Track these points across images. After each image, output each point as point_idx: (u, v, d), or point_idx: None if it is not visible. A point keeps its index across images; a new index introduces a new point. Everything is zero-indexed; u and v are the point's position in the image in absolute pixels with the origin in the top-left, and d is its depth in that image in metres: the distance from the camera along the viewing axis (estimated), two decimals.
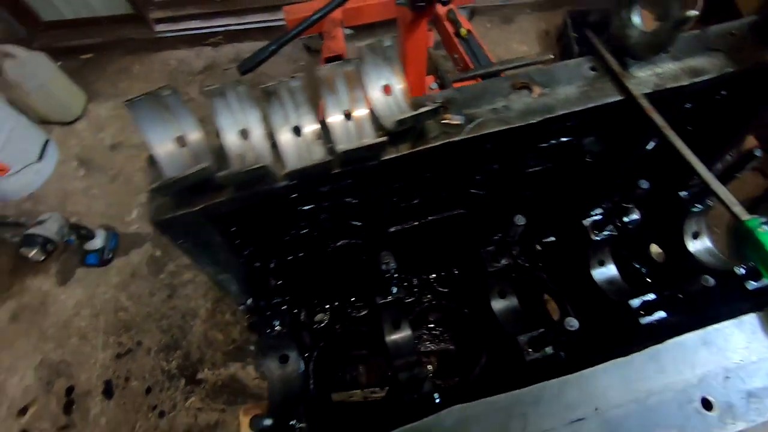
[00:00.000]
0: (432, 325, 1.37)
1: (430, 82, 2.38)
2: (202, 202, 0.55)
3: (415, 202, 0.85)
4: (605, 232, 0.93)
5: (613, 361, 0.47)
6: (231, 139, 0.58)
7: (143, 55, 3.13)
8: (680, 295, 0.79)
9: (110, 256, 2.37)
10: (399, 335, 0.93)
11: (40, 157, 2.58)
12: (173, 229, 0.57)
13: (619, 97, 0.65)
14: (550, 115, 0.61)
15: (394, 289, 0.90)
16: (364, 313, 1.18)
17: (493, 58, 2.48)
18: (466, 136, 0.59)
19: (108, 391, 2.09)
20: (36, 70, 2.56)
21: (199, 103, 2.90)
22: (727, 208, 0.59)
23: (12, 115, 2.43)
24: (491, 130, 0.59)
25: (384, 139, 0.54)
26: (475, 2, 2.83)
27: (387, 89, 0.62)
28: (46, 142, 2.64)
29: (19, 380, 2.14)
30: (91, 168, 2.72)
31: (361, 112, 0.61)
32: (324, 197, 0.69)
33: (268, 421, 0.66)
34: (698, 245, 1.01)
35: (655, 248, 1.13)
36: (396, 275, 0.83)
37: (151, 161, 0.60)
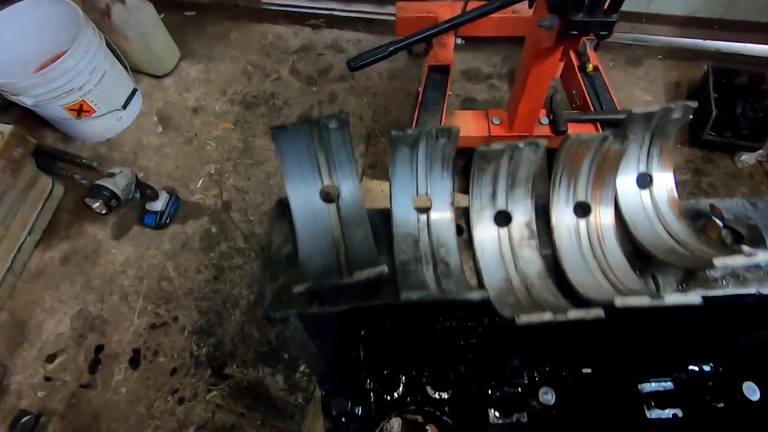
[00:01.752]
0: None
1: (541, 115, 2.13)
2: (347, 302, 0.37)
3: None
4: None
5: None
6: (404, 211, 0.39)
7: (243, 23, 3.07)
8: None
9: (167, 221, 2.31)
10: None
11: (125, 105, 2.56)
12: (292, 321, 0.39)
13: None
14: None
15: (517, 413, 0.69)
16: (446, 396, 0.96)
17: (617, 102, 2.19)
18: None
19: (135, 361, 2.01)
20: (140, 18, 2.53)
21: (288, 82, 2.80)
22: None
23: (108, 58, 2.41)
24: None
25: (698, 300, 0.32)
26: None
27: (645, 180, 0.40)
28: (134, 91, 2.62)
29: (55, 324, 2.11)
30: (168, 126, 2.68)
31: (604, 213, 0.39)
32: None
33: None
34: None
35: None
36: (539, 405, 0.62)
37: (280, 207, 0.42)
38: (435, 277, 0.37)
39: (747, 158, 2.36)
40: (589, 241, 0.40)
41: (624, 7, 2.78)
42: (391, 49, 1.52)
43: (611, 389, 0.80)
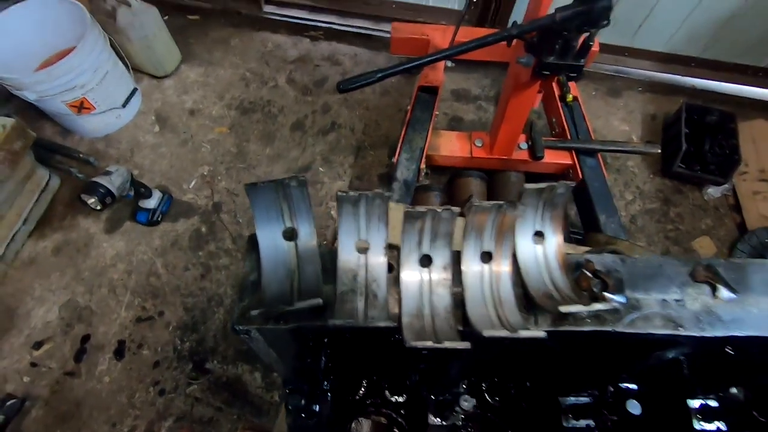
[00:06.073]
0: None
1: (521, 140, 2.25)
2: (294, 322, 0.47)
3: None
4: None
5: None
6: (347, 252, 0.50)
7: (244, 30, 3.17)
8: None
9: (159, 218, 2.40)
10: None
11: (125, 104, 2.64)
12: (254, 334, 0.50)
13: None
14: (737, 334, 0.48)
15: (454, 415, 0.80)
16: (402, 399, 1.08)
17: (593, 133, 2.32)
18: (623, 330, 0.48)
19: (119, 352, 2.10)
20: (144, 21, 2.62)
21: (284, 91, 2.90)
22: None
23: (111, 59, 2.50)
24: (656, 331, 0.48)
25: (543, 335, 0.43)
26: (590, 66, 2.67)
27: (539, 236, 0.52)
28: (134, 91, 2.71)
29: (44, 313, 2.18)
30: (165, 126, 2.77)
31: (503, 261, 0.50)
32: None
33: None
34: None
35: None
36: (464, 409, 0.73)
37: (251, 242, 0.53)
38: (364, 306, 0.47)
39: (713, 191, 2.51)
40: (490, 283, 0.51)
41: (610, 41, 2.95)
42: (379, 75, 1.64)
43: (539, 401, 0.92)
